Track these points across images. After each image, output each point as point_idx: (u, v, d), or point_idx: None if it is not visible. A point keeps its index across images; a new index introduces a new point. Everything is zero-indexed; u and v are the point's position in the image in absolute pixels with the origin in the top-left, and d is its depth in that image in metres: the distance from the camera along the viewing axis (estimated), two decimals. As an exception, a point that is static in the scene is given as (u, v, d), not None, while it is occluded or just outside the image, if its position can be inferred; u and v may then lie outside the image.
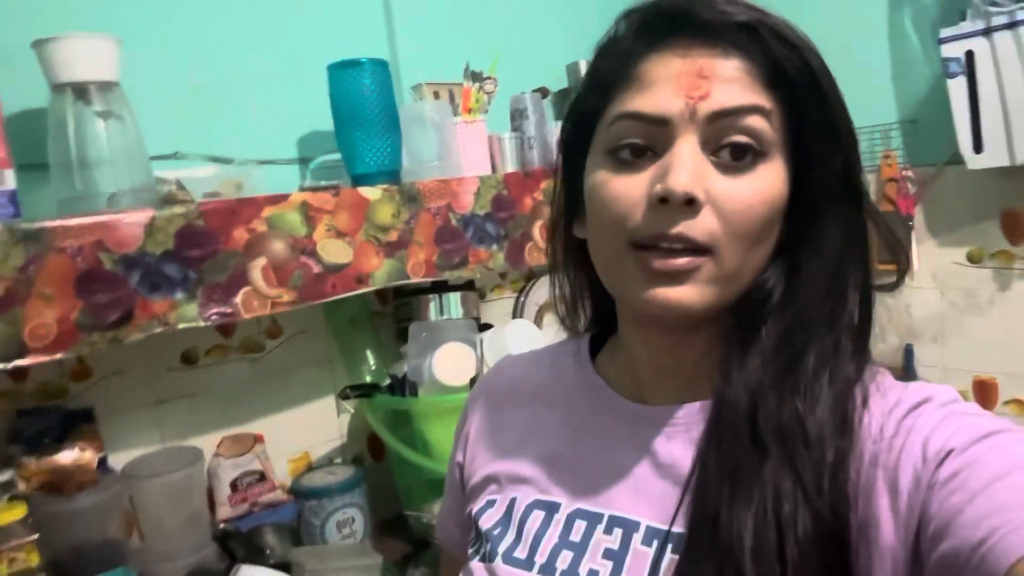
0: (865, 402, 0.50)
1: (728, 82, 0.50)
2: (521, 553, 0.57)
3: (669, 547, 0.51)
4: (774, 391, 0.51)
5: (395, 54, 1.52)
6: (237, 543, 1.15)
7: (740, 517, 0.47)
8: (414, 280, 1.25)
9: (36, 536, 1.01)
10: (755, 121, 0.50)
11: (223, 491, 1.31)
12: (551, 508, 0.59)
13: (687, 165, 0.49)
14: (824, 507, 0.46)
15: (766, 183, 0.51)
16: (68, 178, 1.04)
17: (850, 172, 0.52)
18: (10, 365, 0.90)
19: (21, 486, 1.06)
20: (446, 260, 1.29)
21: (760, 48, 0.50)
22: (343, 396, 1.35)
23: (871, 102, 1.64)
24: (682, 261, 0.49)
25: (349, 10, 1.49)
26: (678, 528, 0.51)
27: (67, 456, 1.14)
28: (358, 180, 1.27)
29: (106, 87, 1.06)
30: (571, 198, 0.61)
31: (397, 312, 1.50)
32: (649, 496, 0.55)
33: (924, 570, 0.43)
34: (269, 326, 1.41)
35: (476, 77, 1.39)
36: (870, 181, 1.64)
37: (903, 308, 1.67)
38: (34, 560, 1.00)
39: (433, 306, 1.43)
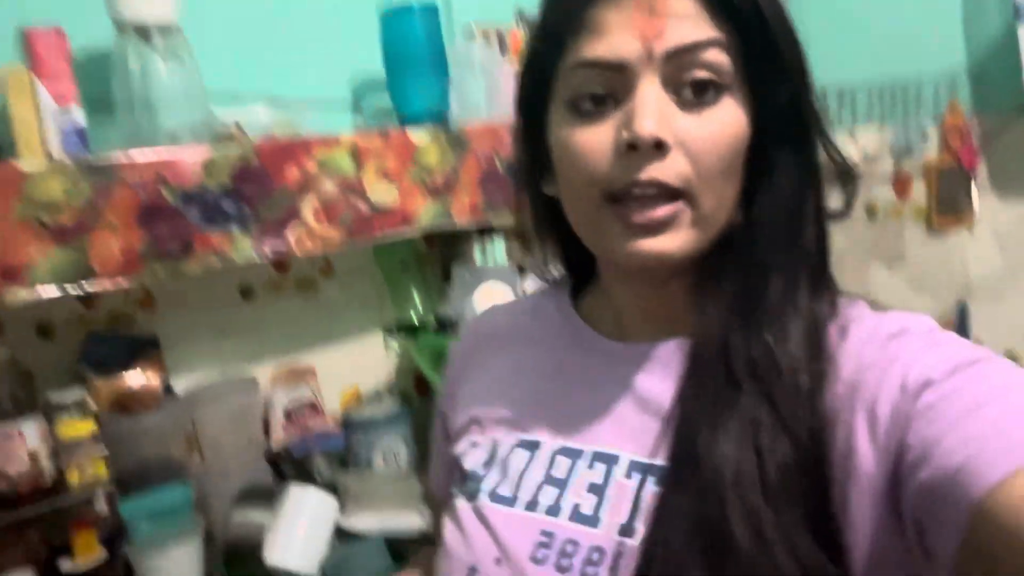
0: (843, 331, 0.51)
1: (682, 17, 0.49)
2: (505, 490, 0.58)
3: (651, 479, 0.52)
4: (743, 327, 0.51)
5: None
6: (288, 465, 1.22)
7: (720, 447, 0.47)
8: (459, 223, 1.28)
9: (104, 451, 1.10)
10: (714, 55, 0.49)
11: (277, 419, 1.39)
12: (533, 446, 0.59)
13: (650, 107, 0.48)
14: (802, 433, 0.47)
15: (730, 117, 0.51)
16: (132, 116, 1.10)
17: (798, 101, 0.51)
18: (77, 289, 0.98)
19: (91, 405, 1.15)
20: (491, 204, 1.31)
21: None
22: (388, 332, 1.40)
23: (937, 48, 1.58)
24: (661, 211, 0.50)
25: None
26: (659, 461, 0.52)
27: (133, 379, 1.23)
28: (407, 123, 1.30)
29: (166, 29, 1.10)
30: (536, 155, 0.59)
31: (443, 255, 1.54)
32: (630, 430, 0.55)
33: (902, 499, 0.43)
34: (322, 265, 1.47)
35: (527, 21, 1.39)
36: (932, 131, 1.58)
37: (958, 263, 1.63)
38: (102, 472, 1.09)
39: (478, 250, 1.46)
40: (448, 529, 0.61)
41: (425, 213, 1.25)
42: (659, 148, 0.49)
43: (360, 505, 1.21)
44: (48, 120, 1.00)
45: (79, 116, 1.03)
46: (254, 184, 1.10)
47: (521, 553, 0.54)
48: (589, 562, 0.51)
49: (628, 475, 0.53)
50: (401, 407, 1.44)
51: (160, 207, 1.03)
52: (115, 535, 1.14)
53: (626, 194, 0.50)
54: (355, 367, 1.52)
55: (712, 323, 0.53)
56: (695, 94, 0.50)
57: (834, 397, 0.48)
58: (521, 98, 0.60)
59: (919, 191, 1.62)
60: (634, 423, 0.55)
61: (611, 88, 0.51)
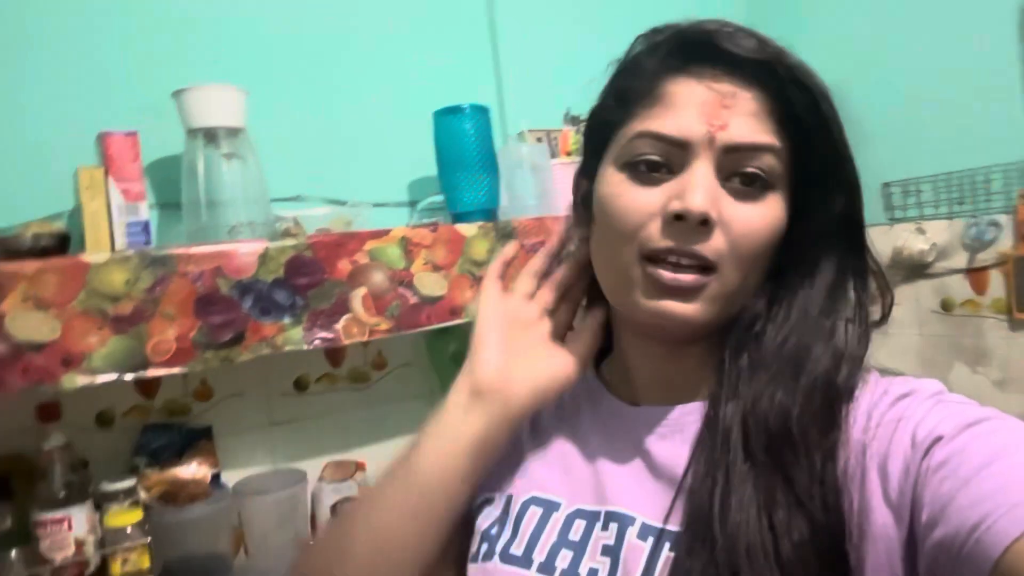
0: (851, 395, 0.52)
1: (746, 116, 0.53)
2: (517, 549, 0.58)
3: (666, 544, 0.52)
4: (762, 403, 0.52)
5: (502, 101, 1.59)
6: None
7: (734, 521, 0.48)
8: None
9: (148, 541, 1.09)
10: (768, 159, 0.53)
11: (324, 514, 1.37)
12: (550, 506, 0.60)
13: (704, 186, 0.52)
14: (817, 509, 0.47)
15: (771, 211, 0.54)
16: (196, 212, 1.16)
17: (849, 212, 0.55)
18: (133, 376, 1.00)
19: (141, 494, 1.16)
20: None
21: (776, 85, 0.53)
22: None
23: (1004, 138, 1.53)
24: (690, 278, 0.53)
25: (461, 59, 1.58)
26: (673, 527, 0.52)
27: (185, 470, 1.24)
28: (458, 219, 1.32)
29: (233, 132, 1.18)
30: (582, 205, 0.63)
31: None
32: (645, 494, 0.56)
33: (919, 558, 0.44)
34: (375, 358, 1.48)
35: (574, 121, 1.43)
36: (1004, 222, 1.52)
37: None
38: (145, 563, 1.08)
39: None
40: None
41: (473, 304, 1.25)
42: (704, 224, 0.52)
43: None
44: (116, 216, 1.06)
45: (146, 212, 1.10)
46: (306, 275, 1.13)
47: None
48: None
49: (642, 538, 0.54)
50: (450, 506, 1.40)
51: (215, 297, 1.06)
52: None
53: (662, 257, 0.53)
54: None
55: (730, 397, 0.54)
56: (743, 184, 0.54)
57: (846, 460, 0.49)
58: (583, 146, 0.64)
59: (996, 284, 1.54)
60: (648, 487, 0.56)
61: (668, 159, 0.54)
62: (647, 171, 0.54)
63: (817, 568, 0.46)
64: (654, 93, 0.55)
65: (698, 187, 0.51)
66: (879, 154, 1.73)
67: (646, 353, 0.61)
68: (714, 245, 0.52)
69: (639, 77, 0.57)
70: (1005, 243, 1.51)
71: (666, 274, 0.52)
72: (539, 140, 1.54)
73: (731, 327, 0.56)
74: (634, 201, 0.54)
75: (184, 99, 1.14)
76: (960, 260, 1.59)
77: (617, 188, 0.56)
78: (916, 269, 1.65)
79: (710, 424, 0.54)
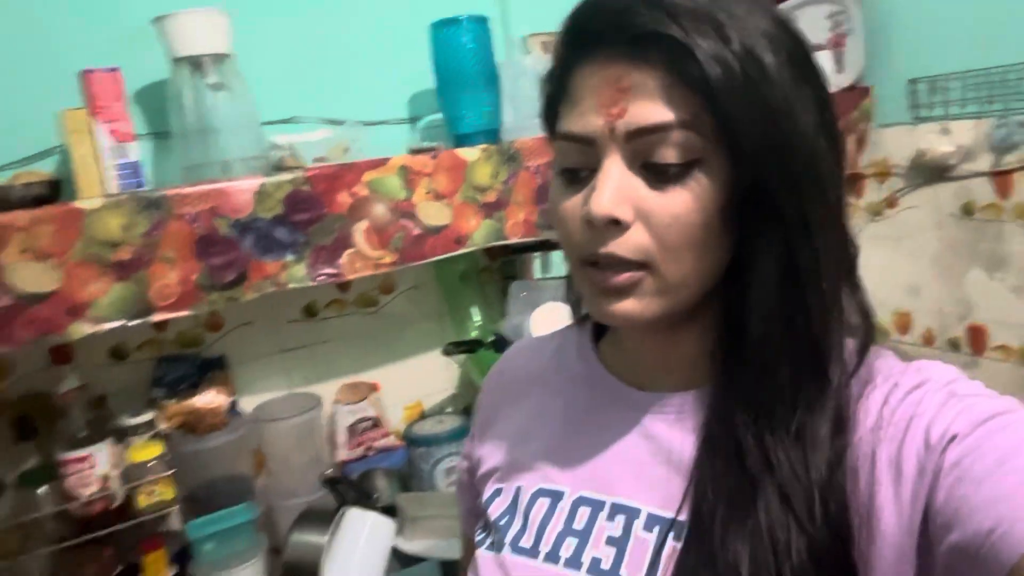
0: (861, 393, 0.50)
1: (648, 94, 0.47)
2: (527, 542, 0.58)
3: (671, 535, 0.52)
4: (758, 419, 0.50)
5: (505, 7, 1.50)
6: (346, 487, 1.23)
7: (737, 540, 0.47)
8: (512, 240, 1.26)
9: (172, 472, 1.13)
10: (678, 136, 0.47)
11: (341, 435, 1.41)
12: (556, 496, 0.59)
13: (609, 186, 0.49)
14: (819, 531, 0.46)
15: (696, 193, 0.48)
16: (187, 147, 1.12)
17: (788, 176, 0.48)
18: (139, 322, 1.01)
19: (161, 427, 1.19)
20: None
21: (687, 53, 0.46)
22: (446, 352, 1.39)
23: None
24: (622, 278, 0.50)
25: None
26: (679, 516, 0.52)
27: (201, 400, 1.27)
28: (459, 141, 1.28)
29: (219, 59, 1.12)
30: None
31: (503, 269, 1.52)
32: (650, 482, 0.55)
33: (933, 560, 0.43)
34: (383, 281, 1.47)
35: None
36: (1036, 123, 1.44)
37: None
38: (169, 494, 1.12)
39: (537, 264, 1.43)
40: None
41: (478, 232, 1.23)
42: (616, 224, 0.49)
43: (417, 529, 1.21)
44: (106, 158, 1.03)
45: (136, 152, 1.06)
46: (306, 211, 1.11)
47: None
48: None
49: (648, 529, 0.53)
50: (463, 423, 1.43)
51: (214, 238, 1.05)
52: (184, 554, 1.18)
53: (594, 262, 0.51)
54: (418, 383, 1.52)
55: (723, 411, 0.52)
56: (657, 172, 0.49)
57: (855, 460, 0.48)
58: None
59: (1021, 189, 1.48)
60: (653, 474, 0.55)
61: (586, 161, 0.52)
62: (572, 175, 0.52)
63: None
64: (565, 88, 0.52)
65: (602, 187, 0.49)
66: (905, 50, 1.63)
67: (640, 340, 0.59)
68: (635, 242, 0.49)
69: (555, 72, 0.54)
70: (1033, 146, 1.44)
71: (598, 276, 0.51)
72: (544, 47, 1.46)
73: (722, 304, 0.53)
74: (565, 209, 0.53)
75: (165, 27, 1.08)
76: (985, 162, 1.52)
77: (554, 196, 0.54)
78: (938, 171, 1.59)
79: (711, 427, 0.52)
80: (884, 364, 0.52)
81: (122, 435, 1.15)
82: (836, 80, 1.63)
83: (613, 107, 0.48)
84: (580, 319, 0.69)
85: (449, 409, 1.55)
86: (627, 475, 0.56)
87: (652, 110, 0.47)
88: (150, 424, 1.16)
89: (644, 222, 0.49)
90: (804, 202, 0.48)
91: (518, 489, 0.62)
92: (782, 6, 1.72)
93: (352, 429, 1.42)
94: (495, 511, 0.63)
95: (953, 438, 0.44)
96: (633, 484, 0.56)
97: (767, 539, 0.46)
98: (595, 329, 0.67)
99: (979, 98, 1.53)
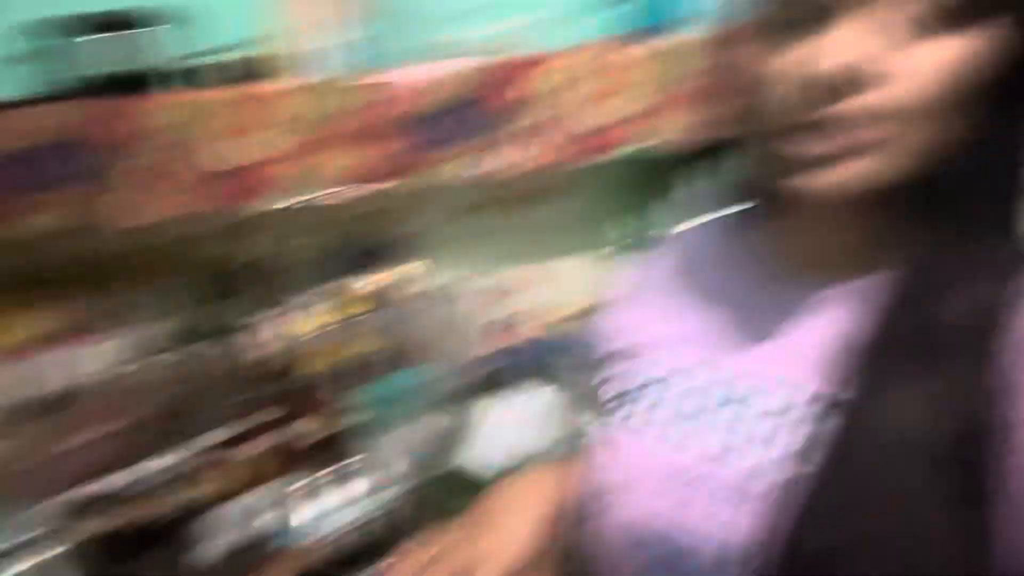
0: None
1: None
2: (675, 412, 0.58)
3: (831, 412, 0.50)
4: (939, 285, 0.48)
5: None
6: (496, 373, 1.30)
7: (901, 414, 0.46)
8: (682, 141, 1.22)
9: (341, 341, 1.24)
10: None
11: (479, 330, 1.47)
12: (713, 369, 0.58)
13: (849, 38, 0.43)
14: (981, 403, 0.44)
15: (950, 51, 0.43)
16: (396, 31, 1.16)
17: None
18: (322, 196, 1.09)
19: (338, 301, 1.30)
20: (718, 121, 1.22)
21: None
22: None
23: None
24: (852, 140, 0.45)
25: None
26: (839, 394, 0.50)
27: (373, 280, 1.36)
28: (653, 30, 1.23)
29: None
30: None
31: (669, 172, 1.48)
32: (811, 362, 0.53)
33: None
34: (538, 183, 1.48)
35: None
36: None
37: None
38: (340, 358, 1.23)
39: (704, 169, 1.38)
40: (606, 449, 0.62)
41: (644, 133, 1.20)
42: (850, 79, 0.44)
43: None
44: (319, 37, 1.09)
45: (350, 33, 1.11)
46: (477, 105, 1.13)
47: (687, 472, 0.55)
48: (766, 487, 0.51)
49: (806, 405, 0.52)
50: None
51: (394, 124, 1.10)
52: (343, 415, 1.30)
53: (815, 124, 0.46)
54: (561, 287, 1.54)
55: (901, 284, 0.50)
56: (912, 21, 0.43)
57: (1010, 363, 0.45)
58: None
59: None
60: (814, 355, 0.53)
61: (807, 9, 0.45)
62: (784, 26, 0.47)
63: (966, 467, 0.45)
64: None
65: (841, 40, 0.43)
66: None
67: (817, 224, 0.55)
68: (871, 102, 0.44)
69: None
70: None
71: (817, 141, 0.46)
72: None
73: (922, 194, 0.49)
74: (780, 63, 0.47)
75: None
76: None
77: (753, 52, 0.49)
78: None
79: (887, 303, 0.50)
80: None
81: (299, 307, 1.26)
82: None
83: None
84: (739, 209, 0.66)
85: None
86: (788, 356, 0.55)
87: None
88: (328, 296, 1.27)
89: (884, 79, 0.44)
90: None
91: (670, 367, 0.61)
92: None
93: (490, 326, 1.47)
94: (629, 386, 0.63)
95: None
96: (793, 365, 0.54)
97: (930, 403, 0.45)
98: (751, 219, 0.64)
99: None
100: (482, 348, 1.46)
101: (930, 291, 0.48)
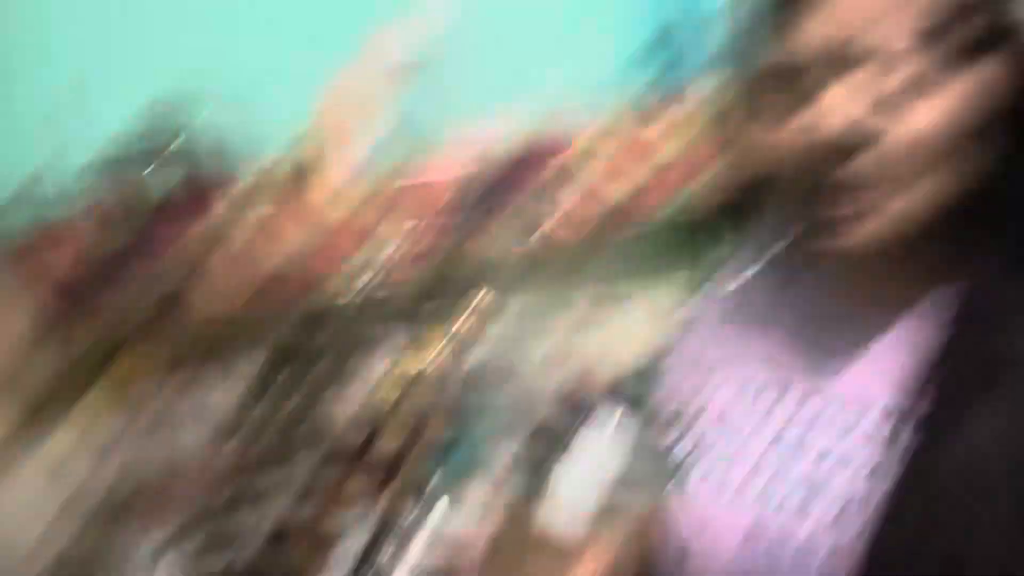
0: None
1: None
2: (743, 475, 0.57)
3: (907, 427, 0.48)
4: (998, 321, 0.47)
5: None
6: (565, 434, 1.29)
7: (977, 426, 0.44)
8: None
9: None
10: None
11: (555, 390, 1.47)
12: (783, 388, 0.57)
13: (843, 97, 0.44)
14: None
15: (946, 96, 0.44)
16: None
17: None
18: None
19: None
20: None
21: None
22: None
23: None
24: (857, 202, 0.46)
25: None
26: (917, 407, 0.48)
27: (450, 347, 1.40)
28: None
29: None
30: None
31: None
32: (887, 373, 0.51)
33: None
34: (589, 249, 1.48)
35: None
36: None
37: None
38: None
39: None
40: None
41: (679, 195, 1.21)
42: (853, 144, 0.44)
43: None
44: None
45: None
46: (517, 181, 1.16)
47: (755, 507, 0.54)
48: (836, 507, 0.50)
49: (884, 418, 0.50)
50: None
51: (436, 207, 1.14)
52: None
53: (835, 185, 0.47)
54: (633, 342, 1.53)
55: (981, 286, 0.48)
56: (900, 80, 0.44)
57: None
58: None
59: None
60: (891, 366, 0.51)
61: (803, 74, 0.46)
62: (786, 87, 0.47)
63: None
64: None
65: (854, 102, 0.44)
66: None
67: (854, 265, 0.55)
68: (886, 156, 0.44)
69: None
70: None
71: (833, 202, 0.47)
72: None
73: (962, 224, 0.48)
74: (791, 129, 0.47)
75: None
76: None
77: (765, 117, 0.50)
78: None
79: (961, 317, 0.48)
80: None
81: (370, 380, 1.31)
82: None
83: None
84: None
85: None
86: (864, 367, 0.53)
87: None
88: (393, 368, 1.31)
89: (884, 135, 0.44)
90: None
91: (742, 382, 0.60)
92: None
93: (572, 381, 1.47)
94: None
95: None
96: (869, 377, 0.53)
97: (1005, 439, 0.44)
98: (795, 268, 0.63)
99: None
100: (552, 409, 1.46)
101: (993, 317, 0.47)
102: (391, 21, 1.18)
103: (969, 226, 0.48)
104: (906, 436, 0.47)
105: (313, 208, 1.09)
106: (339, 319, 1.36)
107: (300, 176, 1.14)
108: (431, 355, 1.37)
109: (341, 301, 1.36)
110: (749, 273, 0.75)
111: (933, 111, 0.43)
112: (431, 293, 1.44)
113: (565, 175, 1.18)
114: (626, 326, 1.53)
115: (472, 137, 1.23)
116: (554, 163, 1.17)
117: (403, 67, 1.19)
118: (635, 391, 1.43)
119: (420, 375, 1.35)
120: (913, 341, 0.51)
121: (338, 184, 1.10)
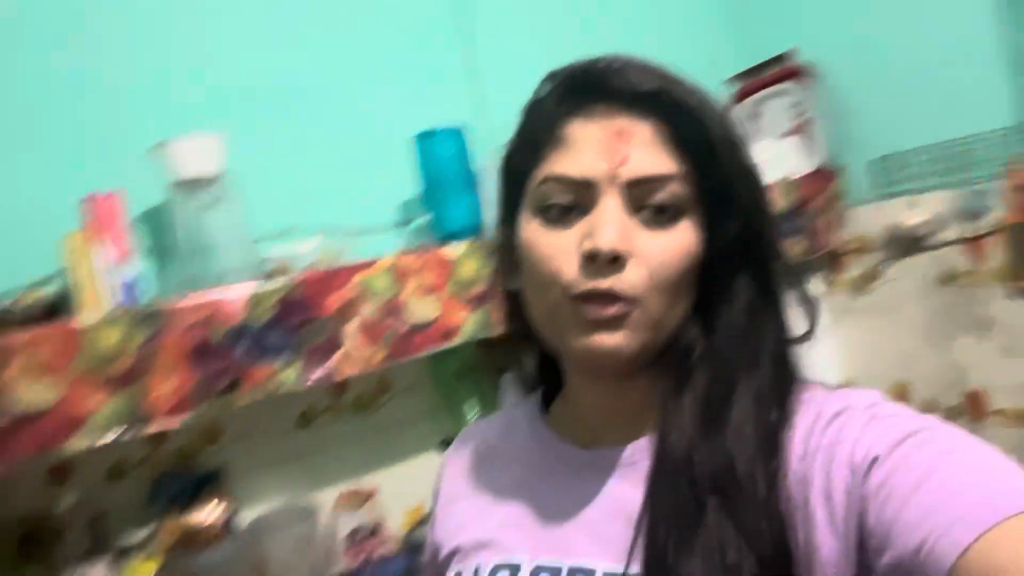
0: (789, 421, 0.53)
1: (644, 146, 0.54)
2: None
3: None
4: (704, 442, 0.52)
5: (485, 115, 1.59)
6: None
7: (688, 565, 0.48)
8: (501, 331, 1.28)
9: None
10: (672, 187, 0.54)
11: (340, 545, 1.38)
12: (514, 569, 0.59)
13: (612, 223, 0.53)
14: (766, 547, 0.47)
15: (684, 238, 0.55)
16: (184, 261, 1.17)
17: (750, 235, 0.56)
18: (135, 433, 1.02)
19: (158, 545, 1.18)
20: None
21: (668, 113, 0.54)
22: (442, 449, 1.39)
23: (989, 106, 1.51)
24: (613, 309, 0.53)
25: (441, 76, 1.58)
26: (635, 569, 0.52)
27: (199, 515, 1.26)
28: (445, 239, 1.33)
29: (212, 179, 1.19)
30: (506, 253, 0.64)
31: (498, 361, 1.54)
32: (605, 539, 0.56)
33: None
34: (377, 383, 1.49)
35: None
36: (996, 190, 1.50)
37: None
38: (166, 611, 1.10)
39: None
40: None
41: (467, 325, 1.26)
42: (615, 260, 0.53)
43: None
44: (105, 276, 1.08)
45: (135, 269, 1.11)
46: (297, 315, 1.14)
47: None
48: None
49: None
50: (465, 524, 1.41)
51: (208, 346, 1.08)
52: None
53: (585, 298, 0.54)
54: (418, 485, 1.50)
55: (673, 436, 0.54)
56: (653, 216, 0.55)
57: (788, 490, 0.50)
58: (499, 200, 0.64)
59: (995, 253, 1.52)
60: (606, 531, 0.56)
61: (578, 200, 0.55)
62: (559, 214, 0.56)
63: None
64: (556, 136, 0.57)
65: (605, 224, 0.53)
66: (867, 130, 1.72)
67: (594, 390, 0.62)
68: (631, 279, 0.53)
69: (541, 121, 0.59)
70: (1000, 212, 1.49)
71: (591, 308, 0.53)
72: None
73: (668, 361, 0.57)
74: (550, 246, 0.55)
75: (162, 154, 1.15)
76: (957, 231, 1.58)
77: (534, 235, 0.57)
78: (912, 244, 1.64)
79: (659, 465, 0.54)
80: (809, 395, 0.55)
81: (120, 554, 1.13)
82: (804, 164, 1.70)
83: (616, 155, 0.53)
84: (529, 391, 0.72)
85: (451, 511, 1.52)
86: (582, 536, 0.57)
87: (652, 161, 0.54)
88: (148, 541, 1.15)
89: (638, 260, 0.53)
90: (771, 249, 0.56)
91: (476, 568, 0.62)
92: (746, 101, 1.82)
93: (352, 537, 1.40)
94: None
95: (875, 460, 0.46)
96: (588, 544, 0.57)
97: (718, 559, 0.47)
98: (543, 399, 0.69)
99: (940, 170, 1.60)
100: (347, 560, 1.36)
101: (688, 462, 0.52)
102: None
103: (666, 382, 0.57)
104: None
105: (68, 346, 0.98)
106: (92, 479, 1.18)
107: (55, 311, 1.03)
108: (201, 520, 1.22)
109: (94, 458, 1.19)
110: (496, 413, 0.81)
111: (658, 251, 0.55)
112: (200, 448, 1.32)
113: (361, 297, 1.19)
114: (421, 469, 1.51)
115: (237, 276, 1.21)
116: (349, 285, 1.18)
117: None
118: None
119: (165, 563, 1.19)
120: (618, 501, 0.57)
121: (98, 317, 1.01)
